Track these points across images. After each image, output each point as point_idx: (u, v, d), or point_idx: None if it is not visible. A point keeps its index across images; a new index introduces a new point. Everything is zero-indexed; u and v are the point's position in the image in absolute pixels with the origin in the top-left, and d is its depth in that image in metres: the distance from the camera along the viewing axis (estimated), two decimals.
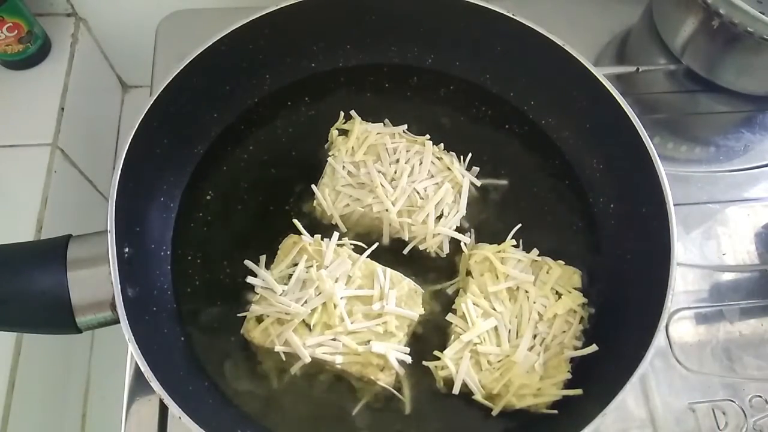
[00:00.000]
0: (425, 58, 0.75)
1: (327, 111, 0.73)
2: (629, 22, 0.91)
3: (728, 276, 0.72)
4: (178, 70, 0.61)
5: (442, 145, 0.68)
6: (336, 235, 0.61)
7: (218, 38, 0.63)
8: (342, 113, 0.70)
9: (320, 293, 0.58)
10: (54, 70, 0.87)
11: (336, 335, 0.57)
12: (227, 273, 0.64)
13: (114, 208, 0.54)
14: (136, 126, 0.58)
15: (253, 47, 0.68)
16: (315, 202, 0.65)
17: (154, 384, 0.48)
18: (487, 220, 0.68)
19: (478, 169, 0.68)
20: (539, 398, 0.56)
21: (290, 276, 0.59)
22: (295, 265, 0.60)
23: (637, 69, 0.82)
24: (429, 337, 0.62)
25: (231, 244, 0.65)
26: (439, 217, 0.64)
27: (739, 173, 0.79)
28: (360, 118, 0.69)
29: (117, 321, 0.51)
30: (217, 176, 0.69)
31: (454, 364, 0.57)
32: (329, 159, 0.66)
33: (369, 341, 0.57)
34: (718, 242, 0.74)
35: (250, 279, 0.60)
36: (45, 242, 0.56)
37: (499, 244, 0.63)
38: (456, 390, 0.57)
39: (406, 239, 0.64)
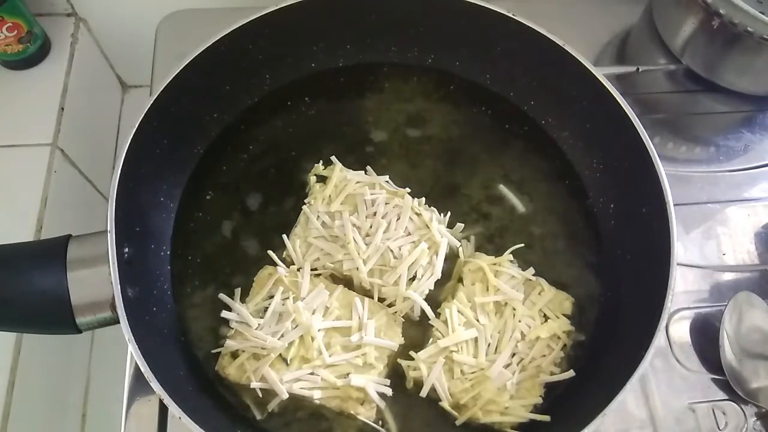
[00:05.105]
0: (425, 58, 0.75)
1: (327, 111, 0.73)
2: (629, 22, 0.90)
3: (728, 276, 0.72)
4: (178, 70, 0.61)
5: (423, 199, 0.64)
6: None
7: (218, 38, 0.63)
8: (321, 161, 0.67)
9: (297, 326, 0.56)
10: (54, 70, 0.87)
11: (314, 369, 0.55)
12: (227, 273, 0.64)
13: (114, 208, 0.54)
14: (136, 126, 0.58)
15: (253, 47, 0.68)
16: (285, 252, 0.62)
17: (154, 384, 0.48)
18: (485, 221, 0.68)
19: (462, 225, 0.65)
20: (505, 417, 0.56)
21: (266, 309, 0.58)
22: (271, 297, 0.58)
23: (637, 69, 0.82)
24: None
25: (231, 244, 0.65)
26: (413, 279, 0.60)
27: (739, 173, 0.79)
28: (341, 165, 0.66)
29: (117, 321, 0.51)
30: (217, 176, 0.69)
31: (427, 367, 0.56)
32: (304, 207, 0.63)
33: (348, 374, 0.55)
34: (718, 242, 0.74)
35: (224, 313, 0.58)
36: (45, 242, 0.56)
37: (496, 256, 0.62)
38: (424, 393, 0.56)
39: (375, 299, 0.60)
